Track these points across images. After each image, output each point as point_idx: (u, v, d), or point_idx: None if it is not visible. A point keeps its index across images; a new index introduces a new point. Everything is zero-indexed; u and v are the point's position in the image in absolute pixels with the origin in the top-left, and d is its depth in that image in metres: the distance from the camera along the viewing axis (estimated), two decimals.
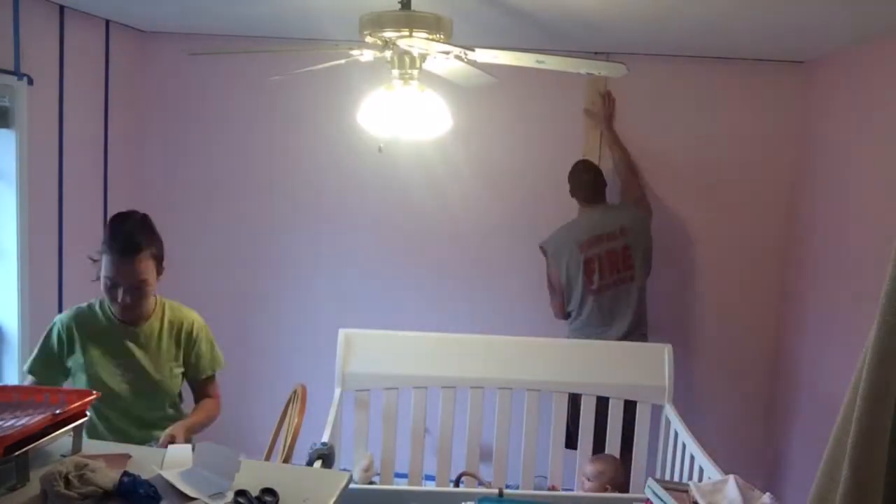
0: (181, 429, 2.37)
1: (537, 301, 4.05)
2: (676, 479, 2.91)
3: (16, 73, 3.01)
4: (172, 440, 2.28)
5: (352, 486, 2.02)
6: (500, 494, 2.45)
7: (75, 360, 2.47)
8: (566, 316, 3.73)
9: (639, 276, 3.62)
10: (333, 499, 1.86)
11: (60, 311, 3.41)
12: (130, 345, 2.49)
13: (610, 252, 3.59)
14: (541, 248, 3.73)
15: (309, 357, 4.10)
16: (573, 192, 3.77)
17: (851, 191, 3.29)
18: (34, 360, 2.48)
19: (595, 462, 3.14)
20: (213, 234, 4.13)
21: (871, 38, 3.10)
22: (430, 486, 3.23)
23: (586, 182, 3.73)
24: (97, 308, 2.51)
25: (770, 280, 4.00)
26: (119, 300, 2.38)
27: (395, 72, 2.34)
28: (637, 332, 3.62)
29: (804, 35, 3.17)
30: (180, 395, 2.68)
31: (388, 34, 2.21)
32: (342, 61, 2.54)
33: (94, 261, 2.41)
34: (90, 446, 2.07)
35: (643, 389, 3.24)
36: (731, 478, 2.28)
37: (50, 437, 1.87)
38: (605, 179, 3.77)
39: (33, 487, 1.77)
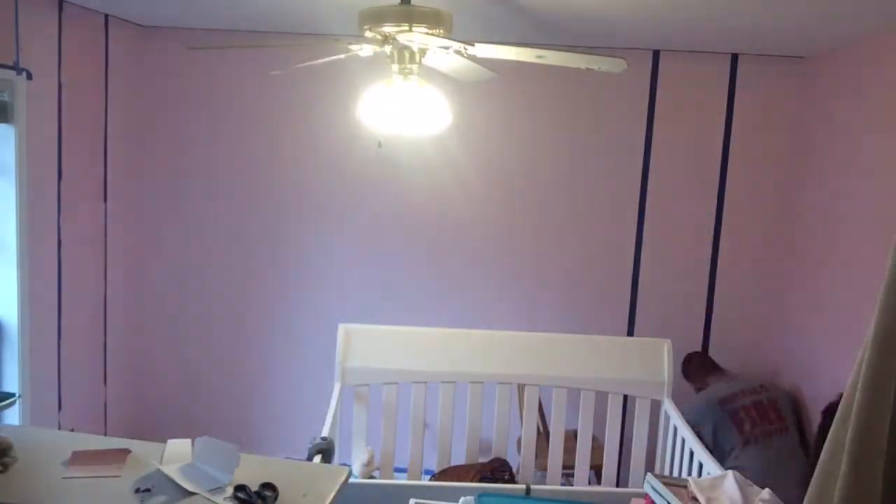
0: None
1: (537, 297, 4.05)
2: (675, 474, 2.91)
3: (15, 67, 3.01)
4: None
5: (352, 480, 2.03)
6: (528, 492, 2.46)
7: None
8: None
9: (793, 428, 3.37)
10: (333, 493, 1.86)
11: (60, 304, 3.42)
12: None
13: (756, 403, 3.39)
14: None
15: (309, 352, 4.10)
16: (694, 376, 3.75)
17: (852, 186, 3.28)
18: None
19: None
20: (211, 227, 4.12)
21: (871, 33, 3.10)
22: (429, 481, 3.23)
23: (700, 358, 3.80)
24: None
25: (770, 274, 4.00)
26: None
27: (395, 67, 2.34)
28: None
29: (805, 31, 3.17)
30: None
31: (388, 29, 2.20)
32: (342, 56, 2.53)
33: None
34: (88, 441, 2.07)
35: (643, 384, 3.25)
36: (730, 473, 2.28)
37: None
38: None
39: None
